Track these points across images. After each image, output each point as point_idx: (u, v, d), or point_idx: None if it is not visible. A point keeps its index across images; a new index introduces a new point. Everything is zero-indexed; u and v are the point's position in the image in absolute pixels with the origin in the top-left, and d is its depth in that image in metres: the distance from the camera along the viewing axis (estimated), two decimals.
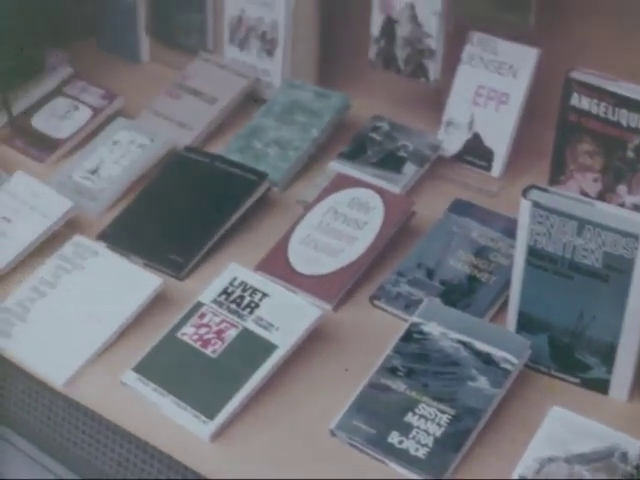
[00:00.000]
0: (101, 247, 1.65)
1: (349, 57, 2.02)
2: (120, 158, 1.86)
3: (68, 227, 1.73)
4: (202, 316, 1.50)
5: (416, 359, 1.40)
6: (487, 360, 1.38)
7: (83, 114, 2.00)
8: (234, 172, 1.78)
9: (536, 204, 1.33)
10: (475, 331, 1.41)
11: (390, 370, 1.39)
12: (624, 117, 1.58)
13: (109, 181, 1.83)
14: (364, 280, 1.60)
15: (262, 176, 1.76)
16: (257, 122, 1.93)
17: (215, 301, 1.52)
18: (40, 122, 2.01)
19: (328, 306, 1.55)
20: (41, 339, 1.53)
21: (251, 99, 2.02)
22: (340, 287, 1.57)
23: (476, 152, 1.81)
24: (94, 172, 1.85)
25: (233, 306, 1.50)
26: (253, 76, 2.03)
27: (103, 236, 1.72)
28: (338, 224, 1.65)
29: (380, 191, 1.69)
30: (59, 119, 2.01)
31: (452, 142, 1.83)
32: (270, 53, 2.01)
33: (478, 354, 1.39)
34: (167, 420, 1.40)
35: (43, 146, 1.96)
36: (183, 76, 2.06)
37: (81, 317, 1.54)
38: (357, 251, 1.60)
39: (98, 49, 2.29)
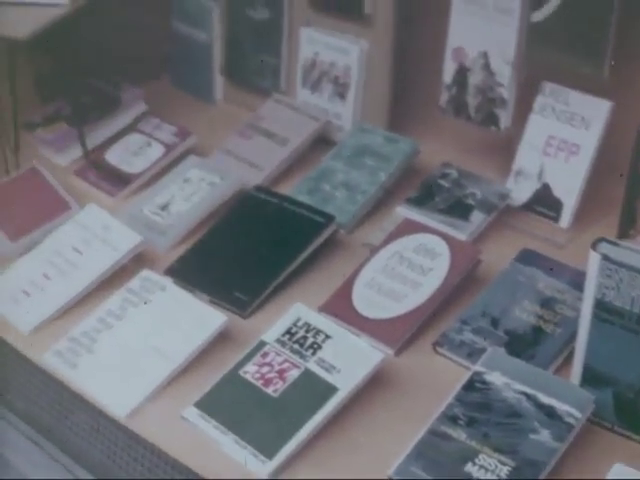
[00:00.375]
0: (168, 282, 1.68)
1: (420, 103, 2.03)
2: (190, 195, 1.89)
3: (137, 261, 1.76)
4: (265, 355, 1.51)
5: (478, 408, 1.39)
6: (550, 413, 1.36)
7: (156, 151, 2.04)
8: (302, 213, 1.79)
9: (605, 257, 1.32)
10: (539, 383, 1.40)
11: (451, 418, 1.38)
12: None
13: (178, 217, 1.85)
14: (427, 326, 1.59)
15: (329, 218, 1.77)
16: (326, 164, 1.94)
17: (278, 340, 1.53)
18: (114, 157, 2.06)
19: (390, 351, 1.55)
20: (106, 370, 1.55)
21: (321, 141, 2.04)
22: (403, 332, 1.57)
23: (545, 202, 1.80)
24: (164, 208, 1.88)
25: (296, 346, 1.51)
26: (324, 119, 2.05)
27: (170, 271, 1.74)
28: (403, 269, 1.65)
29: (447, 238, 1.69)
30: (132, 155, 2.05)
31: (521, 191, 1.82)
32: (342, 97, 2.03)
33: (541, 406, 1.37)
34: (226, 457, 1.40)
35: (115, 180, 2.00)
36: (255, 117, 2.09)
37: (146, 350, 1.56)
38: (421, 297, 1.60)
39: (173, 87, 2.34)
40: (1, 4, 1.88)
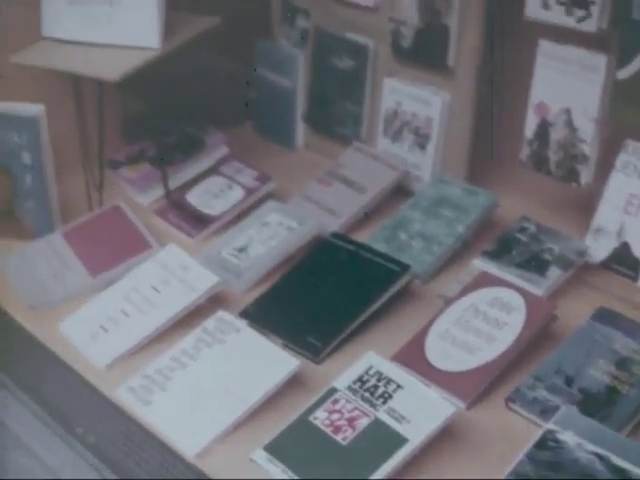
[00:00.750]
0: (243, 324, 1.69)
1: (500, 156, 2.03)
2: (268, 239, 1.91)
3: (212, 301, 1.78)
4: (335, 402, 1.51)
5: (549, 467, 1.37)
6: (623, 476, 1.33)
7: (236, 194, 2.07)
8: (378, 261, 1.80)
9: None
10: (612, 445, 1.38)
11: (522, 476, 1.36)
12: None
13: (256, 260, 1.87)
14: (500, 381, 1.58)
15: (405, 268, 1.78)
16: (404, 214, 1.95)
17: (349, 388, 1.53)
18: (194, 198, 2.09)
19: (462, 404, 1.54)
20: (177, 409, 1.56)
21: (400, 191, 2.05)
22: (475, 386, 1.55)
23: (624, 261, 1.78)
24: (242, 250, 1.90)
25: (367, 395, 1.51)
26: (403, 168, 2.06)
27: (245, 314, 1.75)
28: (478, 322, 1.64)
29: (523, 292, 1.68)
30: (213, 197, 2.08)
31: (599, 249, 1.81)
32: (422, 147, 2.04)
33: (614, 469, 1.34)
34: None
35: (195, 221, 2.03)
36: (336, 164, 2.11)
37: (218, 391, 1.57)
38: (495, 351, 1.59)
39: (255, 133, 2.38)
40: (94, 46, 1.94)
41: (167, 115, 2.21)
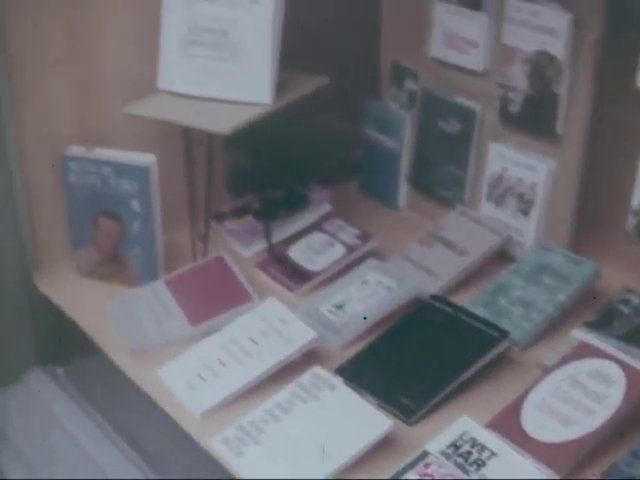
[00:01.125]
0: (338, 381, 1.70)
1: (604, 226, 2.00)
2: (367, 297, 1.92)
3: (308, 357, 1.79)
4: (427, 465, 1.50)
5: None
6: None
7: (337, 251, 2.09)
8: (476, 326, 1.79)
9: None
10: None
11: None
12: None
13: (353, 318, 1.88)
14: (596, 455, 1.55)
15: (504, 334, 1.76)
16: (505, 279, 1.94)
17: (443, 452, 1.52)
18: (296, 253, 2.12)
19: (557, 476, 1.51)
20: (270, 462, 1.57)
21: (501, 256, 2.04)
22: (571, 459, 1.52)
23: None
24: (340, 307, 1.91)
25: (460, 460, 1.50)
26: (506, 234, 2.05)
27: (341, 371, 1.76)
28: (576, 393, 1.62)
29: (623, 365, 1.65)
30: (314, 253, 2.10)
31: None
32: (525, 213, 2.03)
33: None
34: None
35: (295, 276, 2.05)
36: (437, 226, 2.11)
37: (310, 447, 1.57)
38: (593, 424, 1.56)
39: (359, 191, 2.40)
40: (206, 99, 1.99)
41: (273, 170, 2.24)
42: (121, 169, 1.98)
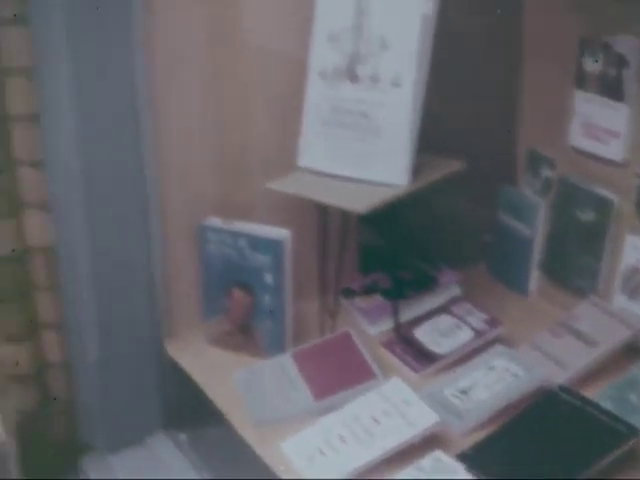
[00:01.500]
0: (460, 467, 1.68)
1: None
2: (493, 383, 1.90)
3: (429, 440, 1.77)
4: None
5: None
6: None
7: (465, 335, 2.08)
8: (604, 420, 1.75)
9: None
10: None
11: None
12: None
13: (478, 404, 1.86)
14: None
15: (633, 430, 1.71)
16: (635, 375, 1.89)
17: None
18: (423, 334, 2.11)
19: None
20: None
21: (633, 350, 1.99)
22: None
23: None
24: (465, 392, 1.90)
25: None
26: (638, 327, 2.01)
27: (463, 457, 1.74)
28: None
29: None
30: (441, 335, 2.10)
31: None
32: None
33: None
34: None
35: (421, 357, 2.05)
36: (569, 316, 2.08)
37: None
38: None
39: (488, 275, 2.39)
40: (344, 178, 2.02)
41: (404, 250, 2.26)
42: (256, 242, 2.03)
